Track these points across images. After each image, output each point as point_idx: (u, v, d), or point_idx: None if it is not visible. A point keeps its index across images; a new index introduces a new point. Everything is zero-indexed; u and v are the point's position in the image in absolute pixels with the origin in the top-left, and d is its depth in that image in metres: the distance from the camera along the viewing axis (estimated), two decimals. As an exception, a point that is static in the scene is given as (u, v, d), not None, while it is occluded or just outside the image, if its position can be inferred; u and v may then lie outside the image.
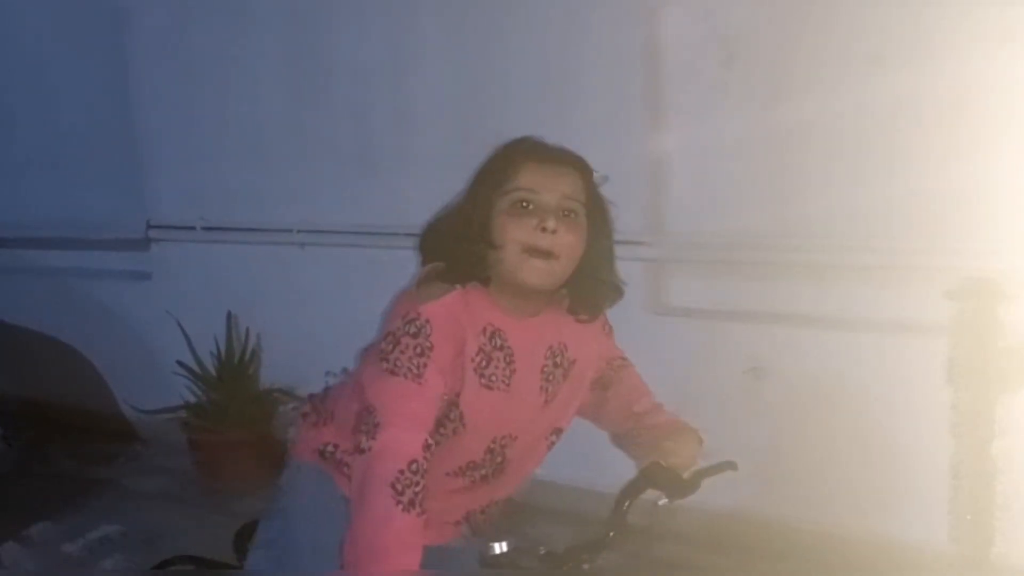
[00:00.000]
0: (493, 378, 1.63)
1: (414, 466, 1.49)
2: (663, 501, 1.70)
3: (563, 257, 1.61)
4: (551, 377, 1.73)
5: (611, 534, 1.60)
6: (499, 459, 1.71)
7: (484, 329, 1.62)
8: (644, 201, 3.55)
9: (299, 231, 4.36)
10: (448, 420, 1.61)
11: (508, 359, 1.65)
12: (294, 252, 4.39)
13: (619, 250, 3.55)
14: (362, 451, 1.52)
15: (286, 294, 4.41)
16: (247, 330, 4.53)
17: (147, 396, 4.63)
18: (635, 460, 1.79)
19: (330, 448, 1.73)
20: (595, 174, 1.70)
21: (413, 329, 1.56)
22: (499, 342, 1.64)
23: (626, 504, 1.63)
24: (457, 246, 1.65)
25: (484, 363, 1.62)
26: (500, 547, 1.57)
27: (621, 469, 1.82)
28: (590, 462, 3.25)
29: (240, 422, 4.35)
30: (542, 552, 1.61)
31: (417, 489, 1.48)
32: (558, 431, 1.80)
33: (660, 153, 3.54)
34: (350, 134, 4.19)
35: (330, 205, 4.27)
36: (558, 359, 1.73)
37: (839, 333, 3.24)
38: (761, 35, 3.33)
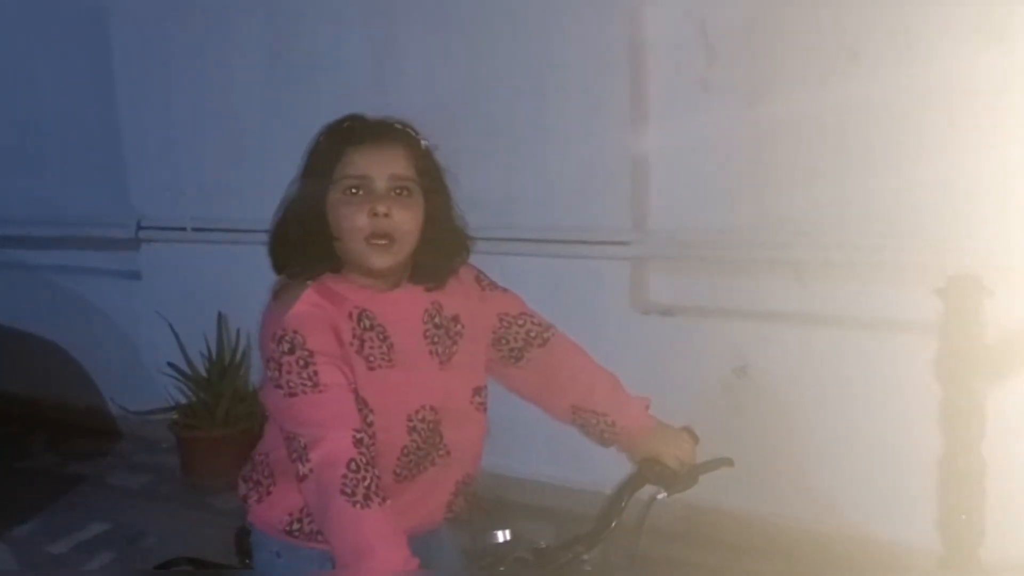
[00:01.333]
0: (371, 358, 1.61)
1: (353, 464, 1.48)
2: (662, 495, 1.71)
3: (402, 236, 1.60)
4: (437, 339, 1.70)
5: (613, 525, 1.61)
6: (435, 438, 1.68)
7: (351, 313, 1.61)
8: (627, 199, 3.57)
9: (289, 231, 4.35)
10: (359, 411, 1.58)
11: (382, 336, 1.63)
12: (284, 252, 4.38)
13: (603, 249, 3.62)
14: (303, 478, 1.51)
15: (276, 294, 4.38)
16: (238, 331, 4.52)
17: (136, 396, 4.64)
18: (629, 456, 1.80)
19: (296, 525, 1.71)
20: (423, 143, 1.69)
21: (287, 347, 1.54)
22: (368, 322, 1.62)
23: (625, 499, 1.64)
24: (300, 242, 1.64)
25: (360, 346, 1.61)
26: (504, 535, 1.58)
27: (602, 466, 1.83)
28: (571, 459, 3.26)
29: (229, 422, 4.35)
30: (542, 545, 1.62)
31: (367, 483, 1.48)
32: (478, 390, 1.76)
33: (643, 151, 3.56)
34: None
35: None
36: (437, 320, 1.71)
37: (823, 330, 3.26)
38: (743, 33, 3.35)
